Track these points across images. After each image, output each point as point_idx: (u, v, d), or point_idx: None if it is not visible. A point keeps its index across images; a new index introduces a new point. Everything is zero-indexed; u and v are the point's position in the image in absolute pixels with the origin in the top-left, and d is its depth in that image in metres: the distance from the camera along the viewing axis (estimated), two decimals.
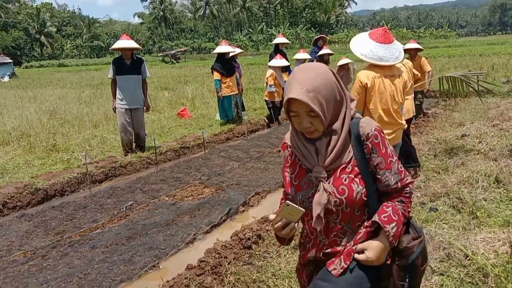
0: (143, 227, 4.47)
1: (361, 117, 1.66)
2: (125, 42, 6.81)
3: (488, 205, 4.06)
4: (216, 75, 8.78)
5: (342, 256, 1.64)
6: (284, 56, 9.50)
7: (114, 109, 7.05)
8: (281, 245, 1.74)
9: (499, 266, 2.90)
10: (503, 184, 4.53)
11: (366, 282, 1.60)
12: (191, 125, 9.28)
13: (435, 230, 3.52)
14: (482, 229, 3.59)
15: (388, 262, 1.66)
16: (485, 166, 4.91)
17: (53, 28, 73.07)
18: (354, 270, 1.62)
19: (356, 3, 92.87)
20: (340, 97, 1.59)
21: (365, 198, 1.60)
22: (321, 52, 9.91)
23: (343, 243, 1.66)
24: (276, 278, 3.16)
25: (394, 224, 1.60)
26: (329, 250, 1.69)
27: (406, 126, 4.17)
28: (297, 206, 1.57)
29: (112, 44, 7.11)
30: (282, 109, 10.21)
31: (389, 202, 1.65)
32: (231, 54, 9.09)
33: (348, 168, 1.60)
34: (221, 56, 8.81)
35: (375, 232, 1.64)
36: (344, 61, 9.61)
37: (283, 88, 9.47)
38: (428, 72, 7.78)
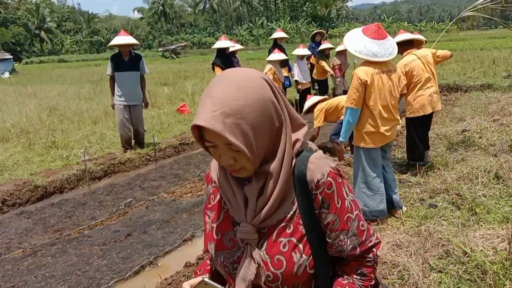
0: (141, 224, 4.47)
1: (313, 150, 1.18)
2: (123, 39, 6.78)
3: (487, 201, 4.05)
4: (218, 71, 8.71)
5: None
6: (283, 50, 9.46)
7: (113, 106, 7.04)
8: None
9: (498, 263, 2.89)
10: (503, 180, 4.51)
11: None
12: (190, 121, 9.25)
13: (434, 227, 3.51)
14: (481, 225, 3.58)
15: None
16: (485, 162, 4.89)
17: (53, 23, 72.88)
18: None
19: None
20: (280, 122, 1.08)
21: (311, 271, 1.14)
22: (322, 46, 9.90)
23: None
24: None
25: None
26: None
27: (400, 122, 4.16)
28: (216, 286, 1.12)
29: (112, 39, 7.08)
30: None
31: (344, 276, 1.21)
32: (231, 50, 9.04)
33: (289, 228, 1.12)
34: (221, 52, 8.75)
35: None
36: (342, 47, 9.73)
37: (283, 84, 9.45)
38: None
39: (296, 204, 1.13)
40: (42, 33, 70.53)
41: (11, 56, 37.35)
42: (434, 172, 5.09)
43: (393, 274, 2.89)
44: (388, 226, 3.82)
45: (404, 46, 5.00)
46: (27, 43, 70.33)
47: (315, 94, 8.55)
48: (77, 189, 5.85)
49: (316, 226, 1.14)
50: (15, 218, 4.84)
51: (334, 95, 9.67)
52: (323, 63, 9.75)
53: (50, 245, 4.10)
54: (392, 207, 4.07)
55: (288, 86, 10.26)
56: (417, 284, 2.80)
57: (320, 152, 1.18)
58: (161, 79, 18.40)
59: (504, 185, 4.42)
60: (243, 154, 1.02)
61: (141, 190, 5.52)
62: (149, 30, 79.56)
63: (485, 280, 2.79)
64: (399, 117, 3.97)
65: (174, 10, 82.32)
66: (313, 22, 68.44)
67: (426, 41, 5.68)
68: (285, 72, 9.71)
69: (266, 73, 9.04)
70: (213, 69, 8.98)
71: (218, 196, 1.23)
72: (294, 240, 1.12)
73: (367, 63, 3.69)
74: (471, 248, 3.13)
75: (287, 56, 9.58)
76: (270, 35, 10.63)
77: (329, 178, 1.11)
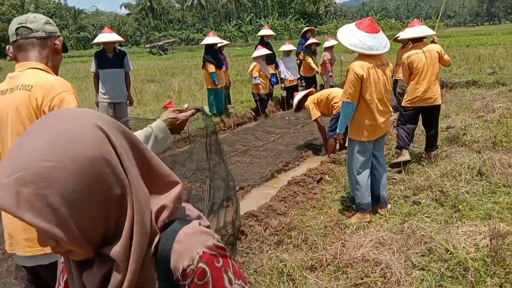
0: None
1: (190, 217, 0.89)
2: (107, 36, 6.68)
3: (470, 198, 4.08)
4: (211, 68, 8.60)
5: None
6: (269, 48, 9.43)
7: (97, 104, 6.95)
8: None
9: (479, 260, 2.91)
10: (486, 177, 4.55)
11: None
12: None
13: (417, 224, 3.52)
14: (464, 222, 3.60)
15: None
16: (468, 159, 4.93)
17: None
18: None
19: None
20: (122, 189, 0.75)
21: None
22: (308, 41, 9.91)
23: None
24: (258, 275, 3.13)
25: None
26: None
27: (393, 113, 4.26)
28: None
29: (97, 36, 6.98)
30: (270, 101, 10.21)
31: None
32: (219, 45, 8.98)
33: None
34: (211, 48, 8.67)
35: None
36: (330, 42, 9.94)
37: (270, 80, 9.43)
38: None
39: None
40: None
41: None
42: (418, 169, 5.11)
43: (375, 272, 2.89)
44: (371, 224, 3.83)
45: (416, 39, 5.18)
46: None
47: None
48: None
49: None
50: None
51: None
52: (309, 60, 9.77)
53: None
54: (378, 203, 4.09)
55: (275, 83, 10.25)
56: (400, 282, 2.81)
57: (196, 223, 0.86)
58: (147, 76, 18.26)
59: (487, 181, 4.46)
60: None
61: None
62: (137, 26, 78.88)
63: (467, 277, 2.81)
64: (391, 109, 4.05)
65: (161, 6, 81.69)
66: (301, 19, 68.49)
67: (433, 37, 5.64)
68: (271, 69, 9.69)
69: (251, 70, 9.01)
70: (204, 66, 8.87)
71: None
72: None
73: (362, 57, 3.72)
74: (453, 245, 3.15)
75: (273, 52, 9.55)
76: (259, 32, 10.58)
77: (201, 264, 0.80)
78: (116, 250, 0.75)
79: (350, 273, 2.95)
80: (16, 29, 1.83)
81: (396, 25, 50.35)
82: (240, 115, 9.48)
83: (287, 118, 9.46)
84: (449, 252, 3.08)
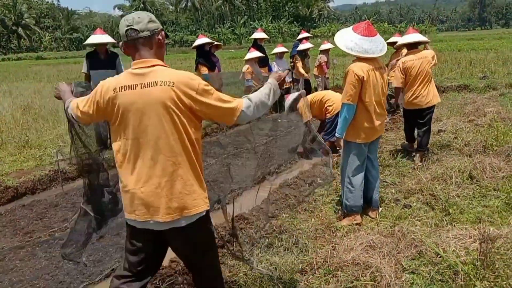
0: (114, 226, 4.36)
1: None
2: (98, 37, 6.64)
3: (460, 202, 4.10)
4: (204, 69, 8.53)
5: None
6: (262, 51, 9.41)
7: None
8: None
9: (469, 264, 2.91)
10: (476, 180, 4.57)
11: None
12: None
13: (408, 228, 3.52)
14: (454, 225, 3.61)
15: None
16: (459, 162, 4.95)
17: (31, 20, 71.39)
18: None
19: None
20: None
21: None
22: (301, 47, 9.91)
23: None
24: (248, 278, 3.11)
25: None
26: None
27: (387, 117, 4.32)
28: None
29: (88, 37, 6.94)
30: None
31: None
32: (210, 47, 8.92)
33: None
34: (201, 50, 8.61)
35: None
36: (326, 46, 10.04)
37: (262, 82, 9.39)
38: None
39: None
40: (20, 30, 69.04)
41: None
42: (409, 172, 5.13)
43: (365, 276, 2.88)
44: (362, 227, 3.82)
45: (411, 46, 5.64)
46: (3, 40, 68.77)
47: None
48: (50, 190, 5.70)
49: None
50: None
51: None
52: (298, 64, 9.76)
53: (19, 248, 3.97)
54: (369, 205, 4.09)
55: None
56: (390, 285, 2.80)
57: None
58: None
59: (477, 185, 4.48)
60: None
61: (116, 191, 5.40)
62: None
63: (457, 280, 2.81)
64: (386, 112, 4.09)
65: (155, 7, 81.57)
66: (295, 22, 68.71)
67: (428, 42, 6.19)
68: (264, 72, 9.67)
69: (243, 73, 9.00)
70: (196, 68, 8.80)
71: None
72: None
73: (360, 60, 3.73)
74: (444, 248, 3.15)
75: (266, 55, 9.53)
76: (252, 34, 10.55)
77: None
78: None
79: (340, 276, 2.94)
80: (126, 31, 2.06)
81: (389, 29, 50.71)
82: None
83: (279, 120, 9.45)
84: (439, 256, 3.08)
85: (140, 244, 2.21)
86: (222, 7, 79.01)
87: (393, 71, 6.69)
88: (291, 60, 10.48)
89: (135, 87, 2.00)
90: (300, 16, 73.40)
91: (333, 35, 4.34)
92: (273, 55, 10.25)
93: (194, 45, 8.74)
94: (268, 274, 3.06)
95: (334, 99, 6.00)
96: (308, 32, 15.59)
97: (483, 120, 7.12)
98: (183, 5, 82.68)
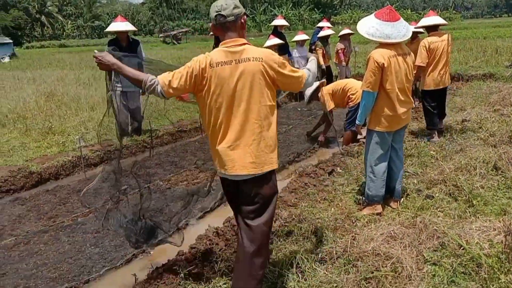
0: (136, 212, 4.42)
1: None
2: (119, 25, 6.66)
3: (485, 193, 4.00)
4: None
5: None
6: (282, 38, 9.31)
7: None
8: None
9: (493, 257, 2.85)
10: (502, 172, 4.46)
11: None
12: (189, 108, 9.18)
13: (430, 219, 3.46)
14: (478, 217, 3.53)
15: None
16: (484, 153, 4.83)
17: (54, 8, 72.19)
18: None
19: None
20: None
21: None
22: (323, 33, 9.78)
23: None
24: (267, 266, 3.11)
25: None
26: None
27: (413, 104, 4.28)
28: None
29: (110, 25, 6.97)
30: (282, 92, 10.12)
31: None
32: None
33: None
34: (219, 38, 8.58)
35: None
36: (345, 31, 9.89)
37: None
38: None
39: None
40: (43, 18, 69.94)
41: (11, 41, 37.03)
42: (432, 163, 5.03)
43: (386, 266, 2.84)
44: (383, 217, 3.78)
45: (430, 28, 5.96)
46: (28, 28, 69.82)
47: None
48: (73, 176, 5.81)
49: None
50: (9, 204, 4.81)
51: None
52: (319, 52, 9.62)
53: (43, 233, 4.07)
54: (391, 196, 4.03)
55: None
56: (411, 277, 2.76)
57: None
58: None
59: (503, 176, 4.37)
60: None
61: (137, 177, 5.46)
62: (151, 15, 78.83)
63: (480, 273, 2.75)
64: (412, 100, 3.98)
65: None
66: (315, 9, 67.71)
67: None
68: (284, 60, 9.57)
69: None
70: None
71: None
72: None
73: (383, 45, 3.64)
74: (467, 240, 3.09)
75: (286, 42, 9.43)
76: (272, 22, 10.46)
77: None
78: None
79: (360, 266, 2.91)
80: (215, 16, 2.41)
81: (412, 16, 49.52)
82: None
83: (299, 109, 9.39)
84: (462, 248, 3.02)
85: (231, 191, 2.61)
86: None
87: None
88: (312, 48, 10.35)
89: (230, 62, 2.38)
90: (321, 2, 72.23)
91: (355, 22, 4.33)
92: (293, 42, 10.14)
93: (211, 33, 8.71)
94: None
95: (357, 87, 5.91)
96: (329, 19, 15.33)
97: (510, 110, 6.92)
98: None
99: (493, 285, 2.63)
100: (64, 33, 73.07)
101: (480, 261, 2.82)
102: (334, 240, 3.35)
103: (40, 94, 11.18)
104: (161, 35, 48.85)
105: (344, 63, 9.90)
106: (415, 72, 5.39)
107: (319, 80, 6.77)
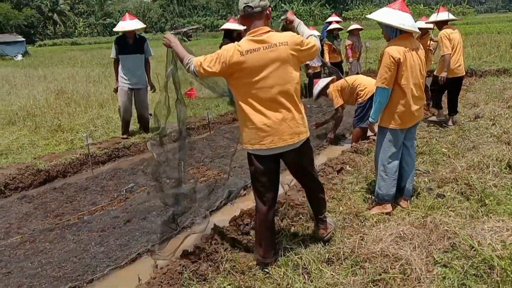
0: (141, 210, 4.40)
1: None
2: (129, 24, 6.64)
3: (498, 192, 3.89)
4: None
5: None
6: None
7: (116, 90, 6.95)
8: None
9: (506, 259, 2.75)
10: None
11: None
12: (197, 106, 9.14)
13: (441, 219, 3.37)
14: (491, 217, 3.42)
15: None
16: (497, 150, 4.71)
17: (66, 6, 72.78)
18: None
19: None
20: None
21: None
22: (330, 27, 9.65)
23: None
24: (272, 266, 3.05)
25: None
26: None
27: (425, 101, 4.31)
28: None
29: (118, 23, 6.95)
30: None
31: None
32: (238, 31, 8.78)
33: None
34: (229, 33, 8.50)
35: None
36: (353, 26, 9.77)
37: None
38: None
39: None
40: (55, 16, 70.55)
41: (23, 39, 37.45)
42: (443, 160, 4.92)
43: (394, 268, 2.76)
44: (392, 217, 3.69)
45: (442, 23, 6.39)
46: (40, 26, 70.50)
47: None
48: (80, 174, 5.81)
49: None
50: (16, 202, 4.82)
51: None
52: (325, 48, 9.48)
53: (49, 231, 4.06)
54: (401, 195, 3.94)
55: None
56: (420, 279, 2.68)
57: None
58: None
59: None
60: None
61: (143, 175, 5.45)
62: (162, 12, 79.01)
63: (492, 276, 2.66)
64: (425, 95, 3.90)
65: None
66: (326, 5, 67.19)
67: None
68: None
69: None
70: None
71: None
72: None
73: (397, 41, 3.56)
74: (479, 241, 2.99)
75: None
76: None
77: None
78: None
79: (368, 268, 2.83)
80: (244, 8, 2.73)
81: (425, 11, 48.90)
82: None
83: (308, 105, 9.29)
84: (473, 249, 2.93)
85: (266, 166, 2.91)
86: None
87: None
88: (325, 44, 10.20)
89: (259, 49, 2.69)
90: None
91: (366, 18, 4.25)
92: None
93: (222, 27, 8.64)
94: None
95: (365, 83, 5.80)
96: (341, 14, 15.19)
97: None
98: None
99: None
100: (76, 31, 73.65)
101: (492, 263, 2.73)
102: (341, 240, 3.27)
103: (50, 91, 11.25)
104: (171, 32, 48.93)
105: (351, 59, 9.73)
106: (438, 64, 6.24)
107: (329, 77, 6.68)
